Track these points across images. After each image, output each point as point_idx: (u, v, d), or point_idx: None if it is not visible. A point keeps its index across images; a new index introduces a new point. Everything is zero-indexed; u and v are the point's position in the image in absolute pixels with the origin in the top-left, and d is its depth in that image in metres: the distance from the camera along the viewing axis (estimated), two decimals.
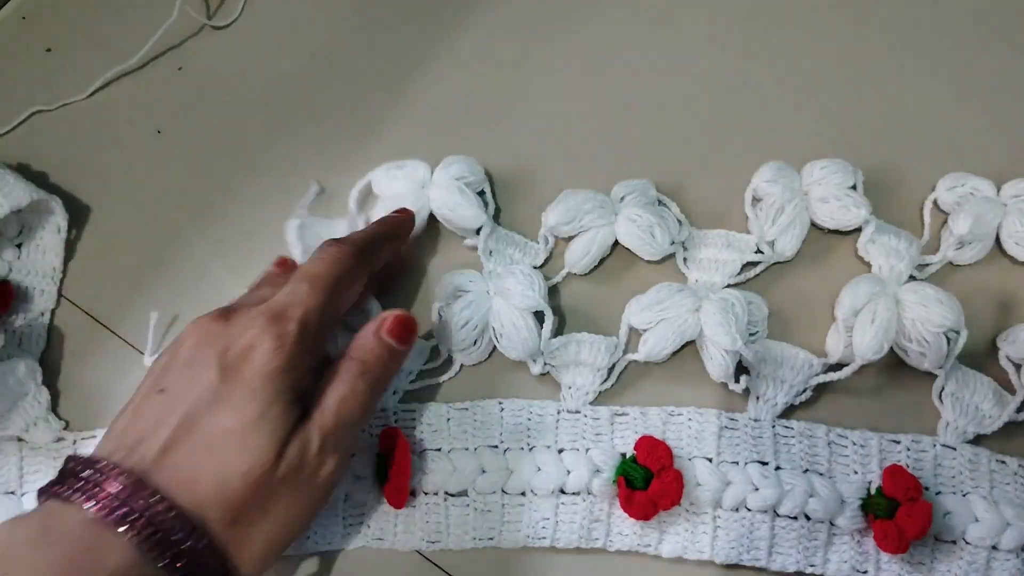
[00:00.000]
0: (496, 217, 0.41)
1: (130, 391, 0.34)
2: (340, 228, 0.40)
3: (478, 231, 0.40)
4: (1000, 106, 0.42)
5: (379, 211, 0.40)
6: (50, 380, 0.39)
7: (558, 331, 0.38)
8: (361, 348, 0.33)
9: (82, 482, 0.28)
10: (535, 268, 0.39)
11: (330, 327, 0.34)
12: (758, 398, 0.37)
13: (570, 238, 0.39)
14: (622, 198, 0.39)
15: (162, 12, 0.45)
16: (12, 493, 0.37)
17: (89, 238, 0.42)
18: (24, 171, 0.42)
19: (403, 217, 0.38)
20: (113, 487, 0.28)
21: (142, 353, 0.39)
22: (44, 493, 0.29)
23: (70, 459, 0.30)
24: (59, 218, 0.41)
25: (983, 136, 0.41)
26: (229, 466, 0.29)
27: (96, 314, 0.41)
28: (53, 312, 0.41)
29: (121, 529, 0.27)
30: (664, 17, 0.45)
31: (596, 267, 0.40)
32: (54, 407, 0.39)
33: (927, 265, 0.39)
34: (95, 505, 0.28)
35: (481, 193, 0.40)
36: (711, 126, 0.42)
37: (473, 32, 0.45)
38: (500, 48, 0.45)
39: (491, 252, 0.40)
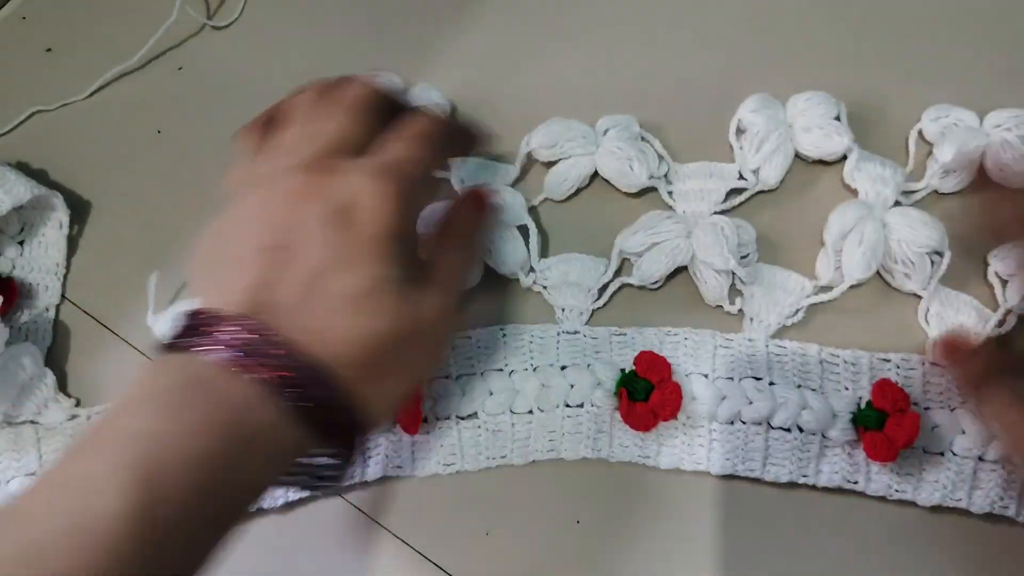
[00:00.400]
0: None
1: None
2: None
3: None
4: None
5: None
6: (58, 371, 0.40)
7: (542, 252, 0.40)
8: (462, 220, 0.35)
9: (213, 333, 0.27)
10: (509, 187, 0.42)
11: (431, 194, 0.35)
12: (752, 319, 0.38)
13: (549, 164, 0.42)
14: (605, 131, 0.41)
15: (162, 12, 0.46)
16: (33, 474, 0.38)
17: (89, 238, 0.43)
18: (24, 170, 0.43)
19: (475, 127, 0.38)
20: (245, 336, 0.27)
21: (142, 352, 0.40)
22: (171, 348, 0.28)
23: (191, 315, 0.29)
24: (61, 214, 0.42)
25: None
26: (358, 327, 0.29)
27: (96, 315, 0.42)
28: (58, 307, 0.42)
29: (262, 377, 0.27)
30: None
31: (573, 195, 0.42)
32: (75, 394, 0.40)
33: (912, 192, 0.40)
34: (232, 354, 0.27)
35: None
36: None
37: (475, 30, 0.46)
38: (503, 39, 0.46)
39: (463, 180, 0.41)
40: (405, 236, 0.30)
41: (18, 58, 0.47)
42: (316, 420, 0.28)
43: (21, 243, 0.42)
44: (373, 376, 0.29)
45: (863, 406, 0.36)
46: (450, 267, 0.33)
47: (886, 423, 0.35)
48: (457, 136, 0.37)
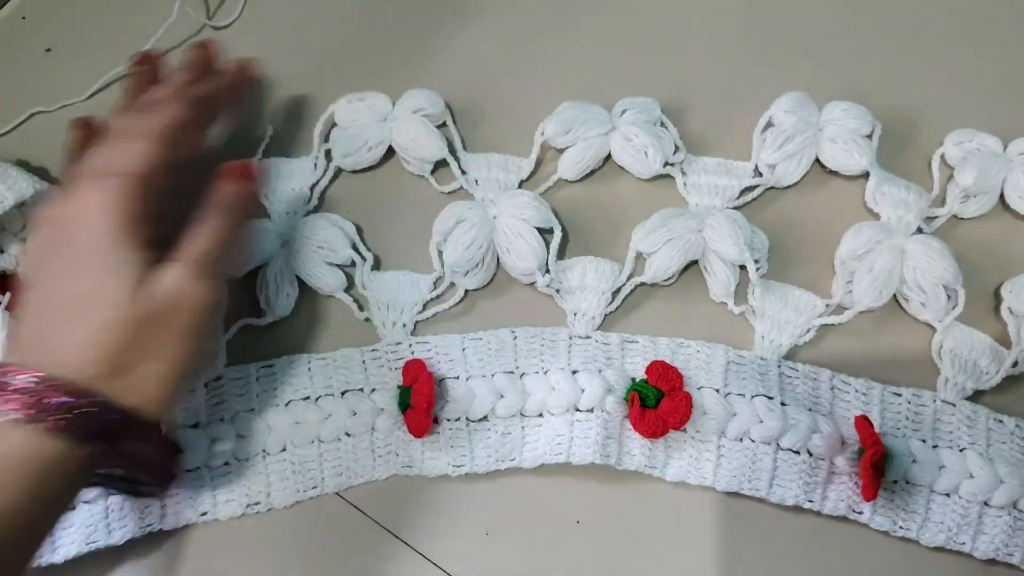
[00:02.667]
0: (478, 144, 0.44)
1: None
2: (303, 166, 0.43)
3: (435, 168, 0.42)
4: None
5: (337, 139, 0.43)
6: None
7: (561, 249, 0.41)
8: (218, 193, 0.35)
9: None
10: (523, 181, 0.42)
11: (173, 174, 0.34)
12: (763, 337, 0.39)
13: (562, 150, 0.42)
14: (623, 112, 0.42)
15: (162, 12, 0.46)
16: None
17: None
18: (25, 168, 0.42)
19: (245, 77, 0.41)
20: None
21: None
22: None
23: None
24: None
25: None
26: (90, 324, 0.30)
27: None
28: None
29: (3, 409, 0.29)
30: None
31: (587, 175, 0.42)
32: None
33: (934, 218, 0.41)
34: None
35: (443, 127, 0.43)
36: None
37: (480, 26, 0.47)
38: (507, 35, 0.47)
39: (477, 181, 0.42)
40: (130, 230, 0.32)
41: (18, 58, 0.47)
42: (69, 426, 0.29)
43: (24, 239, 0.41)
44: (126, 364, 0.30)
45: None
46: (197, 243, 0.33)
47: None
48: (211, 103, 0.38)
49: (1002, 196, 0.41)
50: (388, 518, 0.38)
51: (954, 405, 0.38)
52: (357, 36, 0.47)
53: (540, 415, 0.38)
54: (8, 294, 0.39)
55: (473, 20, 0.47)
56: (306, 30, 0.47)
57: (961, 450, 0.37)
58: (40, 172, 0.43)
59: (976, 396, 0.38)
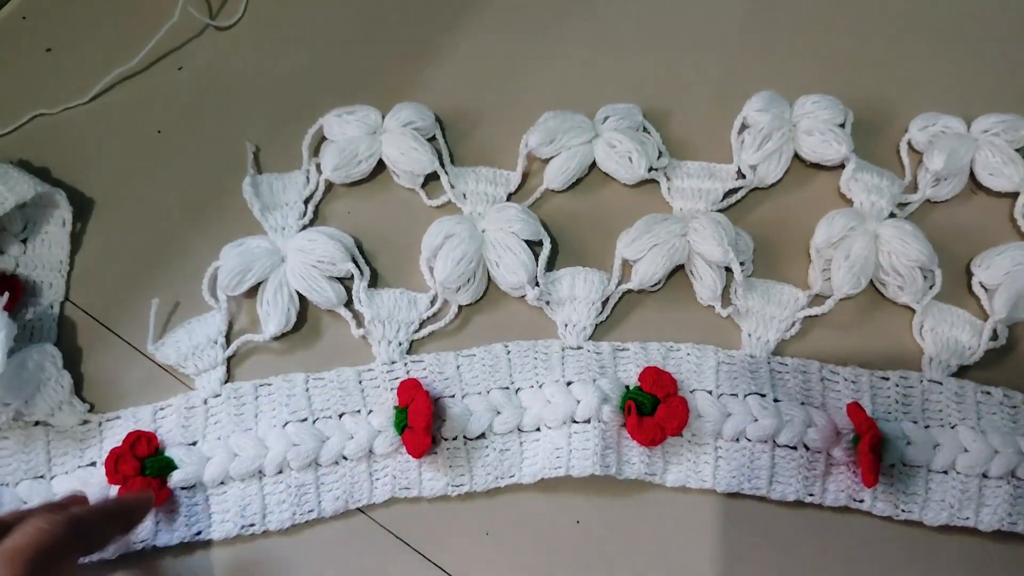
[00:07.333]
0: (466, 157, 0.43)
1: (130, 386, 0.37)
2: (296, 180, 0.41)
3: (425, 182, 0.41)
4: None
5: (328, 155, 0.41)
6: (68, 368, 0.39)
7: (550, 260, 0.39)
8: None
9: None
10: (511, 194, 0.41)
11: None
12: (750, 335, 0.38)
13: (548, 160, 0.41)
14: (605, 119, 0.41)
15: (163, 13, 0.45)
16: (41, 477, 0.37)
17: (89, 238, 0.42)
18: (26, 169, 0.42)
19: (141, 500, 0.35)
20: None
21: (141, 352, 0.39)
22: None
23: None
24: (64, 211, 0.41)
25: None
26: None
27: (96, 314, 0.40)
28: (63, 304, 0.40)
29: None
30: None
31: (574, 184, 0.41)
32: (77, 392, 0.38)
33: (907, 204, 0.40)
34: None
35: (432, 140, 0.42)
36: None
37: (474, 31, 0.46)
38: (501, 42, 0.46)
39: (465, 195, 0.41)
40: None
41: (18, 58, 0.46)
42: None
43: (24, 241, 0.41)
44: None
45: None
46: None
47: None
48: (95, 523, 0.33)
49: (972, 175, 0.40)
50: (389, 518, 0.36)
51: (941, 383, 0.37)
52: (358, 38, 0.46)
53: (537, 429, 0.36)
54: (6, 294, 0.37)
55: (462, 32, 0.46)
56: (306, 31, 0.46)
57: (952, 426, 0.36)
58: (41, 173, 0.42)
59: (962, 372, 0.37)
